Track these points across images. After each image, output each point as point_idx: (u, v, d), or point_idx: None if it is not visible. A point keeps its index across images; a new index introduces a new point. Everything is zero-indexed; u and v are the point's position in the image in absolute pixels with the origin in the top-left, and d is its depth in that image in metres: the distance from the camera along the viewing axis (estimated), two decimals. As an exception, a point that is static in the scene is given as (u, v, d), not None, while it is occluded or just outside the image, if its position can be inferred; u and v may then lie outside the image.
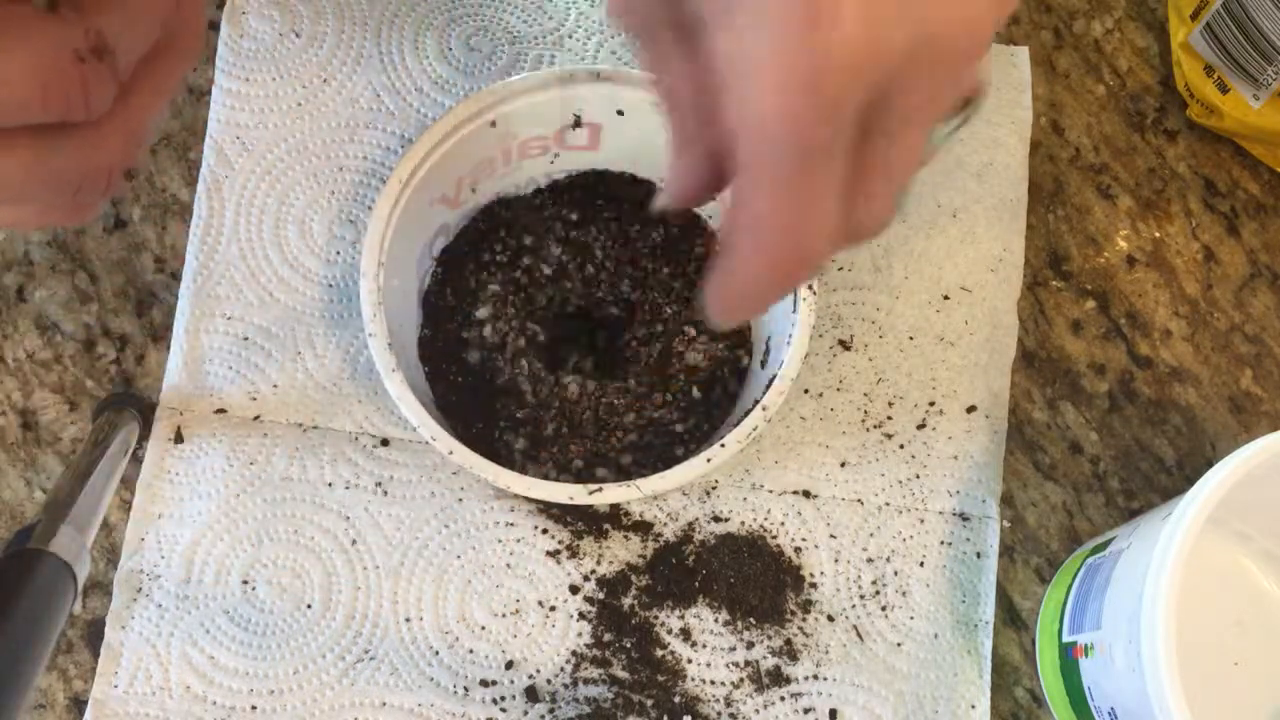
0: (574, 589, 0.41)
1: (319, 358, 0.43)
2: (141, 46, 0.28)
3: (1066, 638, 0.39)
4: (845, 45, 0.21)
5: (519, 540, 0.41)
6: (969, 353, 0.44)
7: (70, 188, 0.28)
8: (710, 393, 0.42)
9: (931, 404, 0.43)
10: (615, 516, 0.42)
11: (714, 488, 0.42)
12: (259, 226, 0.44)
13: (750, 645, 0.41)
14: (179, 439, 0.42)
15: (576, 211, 0.44)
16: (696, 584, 0.41)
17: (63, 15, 0.25)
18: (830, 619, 0.41)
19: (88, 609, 0.41)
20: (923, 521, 0.42)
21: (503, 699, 0.40)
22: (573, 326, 0.44)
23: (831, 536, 0.42)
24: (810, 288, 0.38)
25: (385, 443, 0.42)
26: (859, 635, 0.41)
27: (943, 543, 0.42)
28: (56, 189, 0.27)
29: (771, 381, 0.36)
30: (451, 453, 0.35)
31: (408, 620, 0.41)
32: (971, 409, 0.43)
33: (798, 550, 0.42)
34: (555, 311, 0.44)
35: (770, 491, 0.42)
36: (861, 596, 0.42)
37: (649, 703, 0.40)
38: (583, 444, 0.41)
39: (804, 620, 0.41)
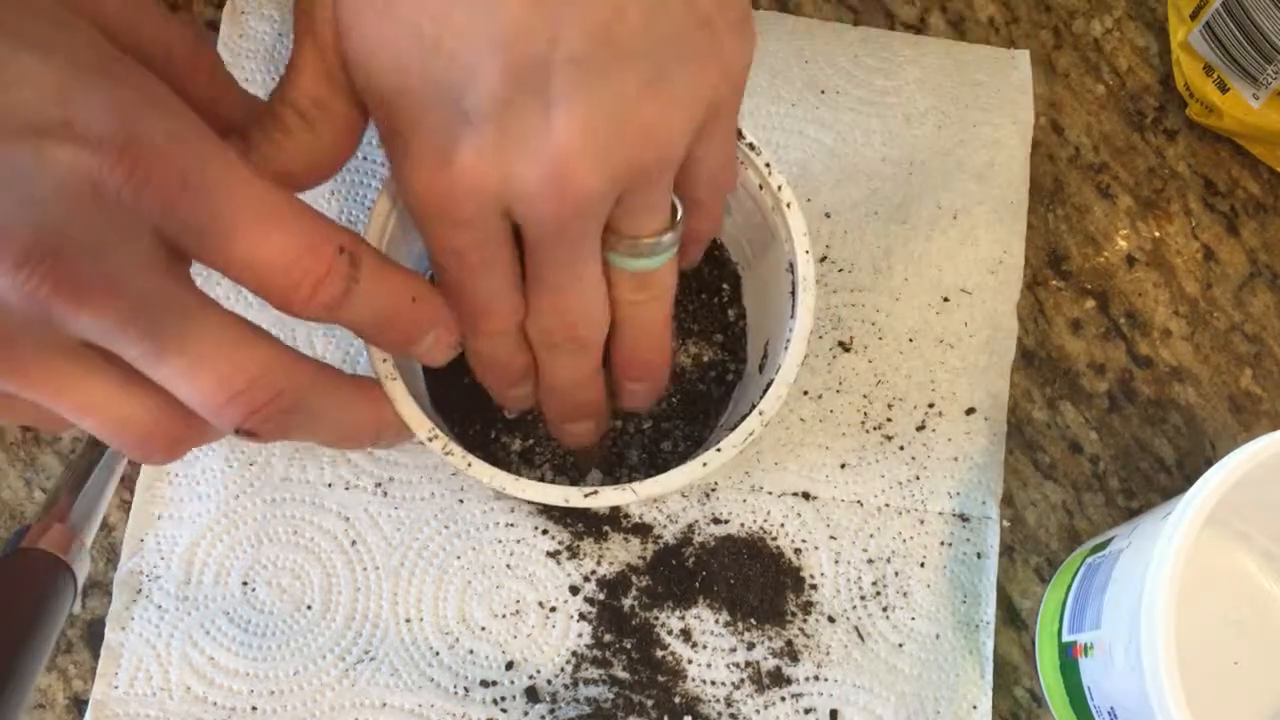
0: (574, 590, 0.41)
1: (318, 358, 0.43)
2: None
3: (1066, 637, 0.39)
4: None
5: (519, 541, 0.41)
6: (968, 355, 0.44)
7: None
8: (708, 396, 0.42)
9: (931, 406, 0.43)
10: (615, 518, 0.42)
11: (714, 489, 0.42)
12: (259, 227, 0.44)
13: (751, 646, 0.41)
14: (179, 440, 0.42)
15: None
16: (697, 585, 0.41)
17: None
18: (831, 620, 0.41)
19: (88, 609, 0.41)
20: (923, 522, 0.42)
21: (503, 699, 0.40)
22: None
23: (831, 538, 0.42)
24: (809, 290, 0.37)
25: (385, 443, 0.42)
26: (860, 636, 0.41)
27: (943, 543, 0.42)
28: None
29: (769, 385, 0.36)
30: (448, 453, 0.35)
31: (408, 621, 0.41)
32: (970, 411, 0.43)
33: (798, 552, 0.42)
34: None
35: (770, 493, 0.42)
36: (862, 597, 0.42)
37: (649, 703, 0.40)
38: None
39: (804, 621, 0.41)
